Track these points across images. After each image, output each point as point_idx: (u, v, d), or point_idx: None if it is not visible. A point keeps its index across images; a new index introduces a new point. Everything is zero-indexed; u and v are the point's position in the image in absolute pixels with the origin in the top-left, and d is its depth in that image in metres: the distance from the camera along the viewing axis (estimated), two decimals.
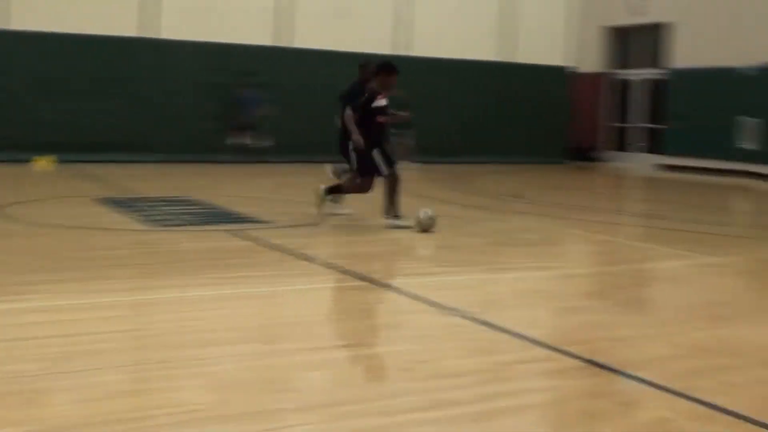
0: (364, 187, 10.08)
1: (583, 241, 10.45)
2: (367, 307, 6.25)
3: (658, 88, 25.80)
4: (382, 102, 9.98)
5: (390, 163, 9.96)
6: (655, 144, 25.73)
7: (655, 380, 4.55)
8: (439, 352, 5.02)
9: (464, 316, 5.80)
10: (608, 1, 26.49)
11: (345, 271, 7.39)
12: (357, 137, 9.71)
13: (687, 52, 24.38)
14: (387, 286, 7.01)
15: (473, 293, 6.84)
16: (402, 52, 21.98)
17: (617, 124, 27.22)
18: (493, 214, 12.06)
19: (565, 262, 8.98)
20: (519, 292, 7.09)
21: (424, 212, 9.71)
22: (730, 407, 4.16)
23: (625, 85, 27.05)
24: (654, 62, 25.94)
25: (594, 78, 27.00)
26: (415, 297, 6.51)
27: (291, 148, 20.29)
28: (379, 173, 9.90)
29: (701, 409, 4.17)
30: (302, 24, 21.23)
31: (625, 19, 26.23)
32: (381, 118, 9.97)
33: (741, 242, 10.48)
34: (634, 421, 3.98)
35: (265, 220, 10.17)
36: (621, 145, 27.14)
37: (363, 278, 7.08)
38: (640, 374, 4.66)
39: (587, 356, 4.94)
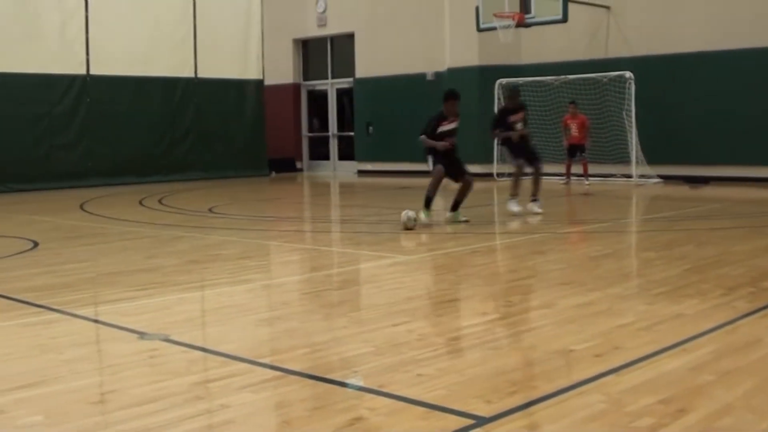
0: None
1: (283, 251, 10.48)
2: (57, 340, 5.88)
3: (348, 96, 26.60)
4: (447, 127, 11.89)
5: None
6: (351, 150, 26.47)
7: (351, 381, 4.59)
8: (132, 379, 4.79)
9: (159, 339, 5.60)
10: (297, 14, 26.95)
11: (35, 304, 6.95)
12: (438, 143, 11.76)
13: (369, 62, 25.31)
14: (79, 317, 6.64)
15: (168, 314, 6.61)
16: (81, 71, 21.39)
17: (315, 134, 27.77)
18: (190, 232, 11.84)
19: (263, 273, 8.93)
20: (215, 309, 6.95)
21: (406, 214, 11.24)
22: (422, 398, 4.25)
23: (319, 95, 27.67)
24: (343, 72, 26.70)
25: (288, 89, 27.42)
26: (109, 325, 6.22)
27: None
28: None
29: (397, 403, 4.22)
30: None
31: (315, 31, 26.81)
32: (447, 141, 11.79)
33: (433, 239, 10.89)
34: (329, 424, 3.95)
35: None
36: (319, 154, 27.72)
37: (54, 310, 6.69)
38: (332, 377, 4.67)
39: (284, 366, 4.90)
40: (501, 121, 13.45)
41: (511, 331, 5.71)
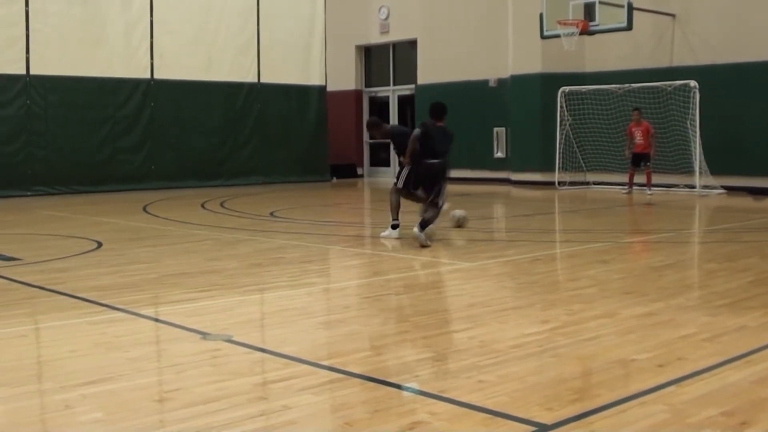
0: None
1: (344, 255, 10.53)
2: (121, 338, 5.98)
3: (410, 103, 26.66)
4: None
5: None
6: None
7: (412, 385, 4.61)
8: (195, 378, 4.86)
9: (222, 340, 5.67)
10: (360, 20, 27.07)
11: (100, 303, 7.07)
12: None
13: (431, 68, 25.35)
14: (143, 316, 6.75)
15: (231, 316, 6.69)
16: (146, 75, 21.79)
17: (376, 140, 27.82)
18: (252, 235, 11.94)
19: (324, 277, 8.99)
20: (277, 311, 7.02)
21: (459, 212, 11.95)
22: (483, 404, 4.25)
23: (381, 101, 27.75)
24: (405, 79, 26.77)
25: (350, 95, 27.55)
26: (172, 324, 6.32)
27: None
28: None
29: (457, 409, 4.22)
30: None
31: (377, 38, 26.91)
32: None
33: (494, 246, 10.85)
34: (390, 427, 3.97)
35: (12, 257, 9.64)
36: (381, 160, 27.79)
37: (118, 309, 6.80)
38: (395, 381, 4.69)
39: (345, 368, 4.94)
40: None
41: (572, 340, 5.68)
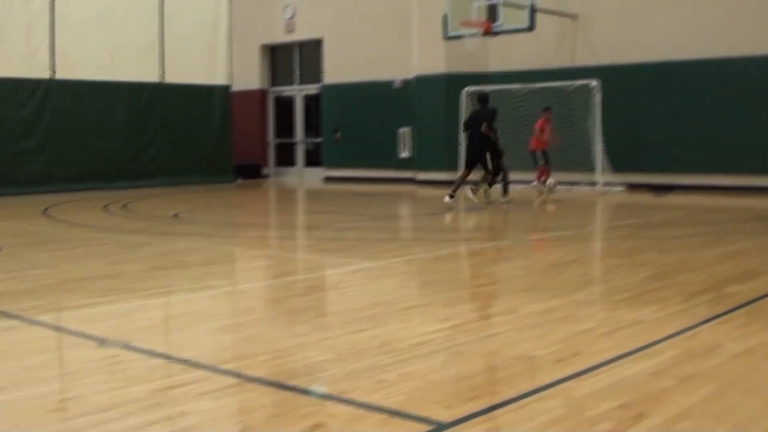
0: None
1: (247, 257, 10.44)
2: (17, 347, 5.82)
3: (315, 103, 26.61)
4: None
5: None
6: (319, 157, 26.48)
7: (313, 388, 4.58)
8: (93, 386, 4.74)
9: (119, 346, 5.56)
10: (265, 20, 26.92)
11: None
12: None
13: (337, 68, 25.37)
14: (40, 323, 6.58)
15: (130, 321, 6.56)
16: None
17: (282, 140, 27.74)
18: (155, 238, 11.77)
19: (226, 280, 8.90)
20: (178, 315, 6.93)
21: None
22: (382, 404, 4.24)
23: (286, 101, 27.66)
24: (311, 78, 26.72)
25: (255, 95, 27.39)
26: (70, 331, 6.18)
27: None
28: None
29: (357, 410, 4.21)
30: None
31: (282, 37, 26.81)
32: None
33: (398, 245, 10.89)
34: (290, 431, 3.94)
35: None
36: (286, 160, 27.71)
37: (14, 316, 6.62)
38: (296, 384, 4.66)
39: (245, 372, 4.89)
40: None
41: (473, 337, 5.72)
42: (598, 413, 4.08)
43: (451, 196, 15.80)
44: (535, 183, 19.38)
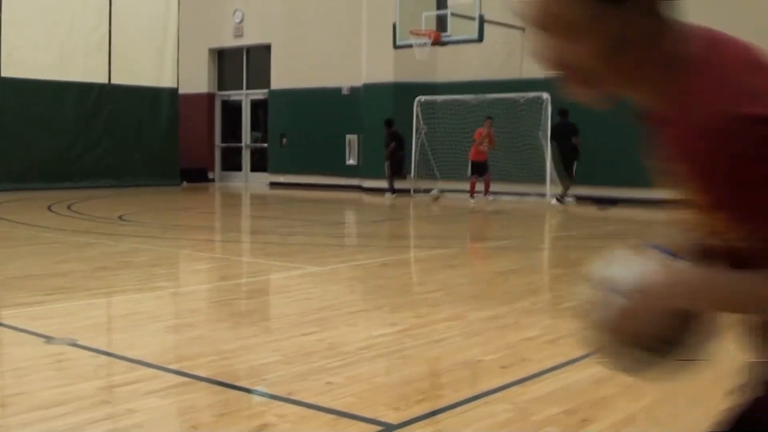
0: None
1: (192, 260, 10.40)
2: None
3: (264, 108, 26.58)
4: None
5: None
6: (265, 162, 26.44)
7: (260, 388, 4.60)
8: (38, 383, 4.72)
9: (66, 344, 5.52)
10: (214, 23, 26.81)
11: None
12: None
13: (285, 74, 25.35)
14: None
15: (76, 319, 6.53)
16: None
17: (228, 144, 27.65)
18: (100, 239, 11.68)
19: (172, 281, 8.87)
20: (123, 315, 6.90)
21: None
22: (330, 406, 4.28)
23: (234, 105, 27.58)
24: (259, 83, 26.67)
25: (203, 99, 27.26)
26: (15, 328, 6.11)
27: None
28: None
29: (305, 410, 4.24)
30: None
31: (231, 41, 26.73)
32: None
33: (344, 251, 10.93)
34: (236, 430, 3.96)
35: None
36: (233, 165, 27.61)
37: None
38: (243, 384, 4.67)
39: (192, 372, 4.89)
40: None
41: (420, 342, 5.77)
42: (543, 418, 4.15)
43: (559, 200, 18.64)
44: (485, 195, 19.50)
